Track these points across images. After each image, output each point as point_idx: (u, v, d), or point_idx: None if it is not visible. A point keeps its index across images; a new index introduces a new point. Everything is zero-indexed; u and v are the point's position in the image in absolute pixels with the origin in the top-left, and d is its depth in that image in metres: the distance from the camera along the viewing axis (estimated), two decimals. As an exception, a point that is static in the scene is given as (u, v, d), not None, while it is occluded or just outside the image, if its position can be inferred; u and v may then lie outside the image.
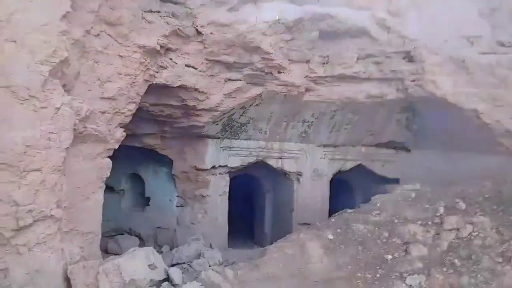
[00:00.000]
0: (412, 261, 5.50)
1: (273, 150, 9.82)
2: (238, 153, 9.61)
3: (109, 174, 6.20)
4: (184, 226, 9.16)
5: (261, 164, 10.10)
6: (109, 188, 9.73)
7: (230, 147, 9.52)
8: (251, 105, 8.69)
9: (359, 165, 10.49)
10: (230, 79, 7.87)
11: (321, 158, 10.11)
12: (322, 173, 10.15)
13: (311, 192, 10.11)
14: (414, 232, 6.03)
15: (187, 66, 7.08)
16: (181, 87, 7.12)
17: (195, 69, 7.22)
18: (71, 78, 5.32)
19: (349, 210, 6.97)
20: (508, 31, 7.89)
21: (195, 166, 8.91)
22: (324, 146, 10.11)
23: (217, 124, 8.53)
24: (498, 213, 6.19)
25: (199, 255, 6.85)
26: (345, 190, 12.55)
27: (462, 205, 6.59)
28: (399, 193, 7.29)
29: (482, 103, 8.09)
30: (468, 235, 5.79)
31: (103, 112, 5.90)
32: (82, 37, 5.36)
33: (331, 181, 10.48)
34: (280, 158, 9.94)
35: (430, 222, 6.24)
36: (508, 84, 7.91)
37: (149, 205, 9.58)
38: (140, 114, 7.51)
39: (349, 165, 10.40)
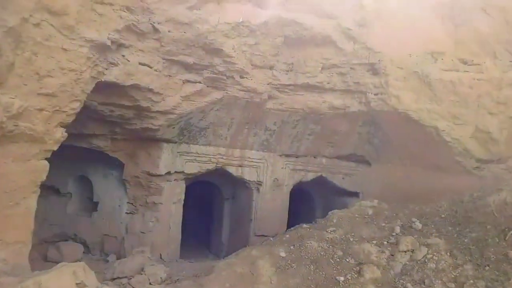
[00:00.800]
0: (365, 284, 5.26)
1: (234, 157, 9.45)
2: (196, 159, 9.18)
3: (45, 177, 5.63)
4: (133, 234, 8.61)
5: (220, 171, 9.72)
6: (54, 191, 9.08)
7: (187, 153, 9.07)
8: (211, 110, 8.29)
9: (320, 176, 10.29)
10: (188, 81, 7.45)
11: (282, 168, 9.83)
12: (282, 183, 9.87)
13: (270, 203, 9.81)
14: (368, 252, 5.81)
15: (141, 64, 6.60)
16: (133, 86, 6.63)
17: (150, 68, 6.75)
18: (2, 70, 4.75)
19: (305, 225, 6.70)
20: (470, 49, 7.88)
21: (148, 172, 8.40)
22: (286, 156, 9.84)
23: (174, 127, 8.08)
24: (453, 234, 6.08)
25: (142, 269, 6.36)
26: (305, 200, 12.35)
27: (419, 225, 6.45)
28: (357, 209, 7.09)
29: (443, 121, 8.07)
30: (423, 257, 5.62)
31: (40, 110, 5.34)
32: (17, 25, 4.80)
33: (292, 191, 10.23)
34: (241, 166, 9.58)
35: (385, 242, 6.05)
36: (468, 103, 7.92)
37: (97, 210, 8.96)
38: (88, 114, 6.96)
39: (310, 176, 10.18)
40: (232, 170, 9.57)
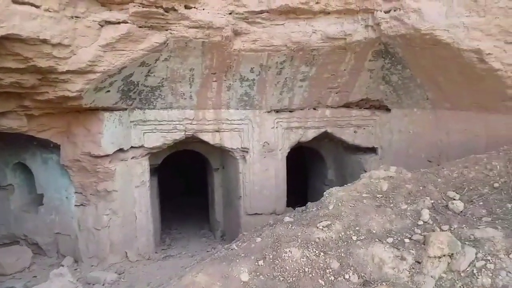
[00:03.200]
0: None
1: (207, 121, 7.28)
2: (157, 128, 7.09)
3: None
4: (87, 231, 6.79)
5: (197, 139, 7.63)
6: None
7: (144, 121, 6.98)
8: (156, 61, 6.05)
9: (325, 132, 7.98)
10: (108, 22, 5.18)
11: (272, 127, 7.57)
12: (275, 147, 7.65)
13: (261, 174, 7.68)
14: (380, 261, 3.66)
15: (17, 2, 4.37)
16: (10, 38, 4.44)
17: (37, 7, 4.52)
18: None
19: (287, 218, 4.55)
20: None
21: (89, 153, 6.40)
22: (276, 112, 7.55)
23: (107, 91, 5.92)
24: (517, 216, 3.81)
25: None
26: (315, 160, 10.16)
27: (459, 205, 4.17)
28: (365, 183, 4.84)
29: (488, 41, 5.44)
30: (469, 266, 3.42)
31: None
32: None
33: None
34: (218, 131, 7.41)
35: (407, 240, 3.85)
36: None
37: (43, 204, 7.16)
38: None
39: (311, 134, 7.88)
40: (207, 137, 7.43)
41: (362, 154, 8.33)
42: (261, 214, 7.75)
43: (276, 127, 7.59)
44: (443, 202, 4.38)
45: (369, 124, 8.00)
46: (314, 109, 7.68)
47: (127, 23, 5.24)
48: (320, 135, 8.06)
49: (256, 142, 7.53)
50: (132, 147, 6.95)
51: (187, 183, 14.74)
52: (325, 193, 4.86)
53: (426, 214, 4.14)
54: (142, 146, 7.05)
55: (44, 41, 4.65)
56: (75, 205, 6.81)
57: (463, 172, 4.84)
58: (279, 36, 6.06)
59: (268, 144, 7.57)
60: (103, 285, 5.63)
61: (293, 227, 4.28)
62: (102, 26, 5.15)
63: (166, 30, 5.59)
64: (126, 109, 6.70)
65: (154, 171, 9.03)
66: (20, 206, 7.45)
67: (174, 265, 6.39)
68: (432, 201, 4.39)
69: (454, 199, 4.37)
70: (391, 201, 4.50)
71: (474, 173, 4.79)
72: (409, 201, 4.48)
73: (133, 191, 7.05)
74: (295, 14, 5.93)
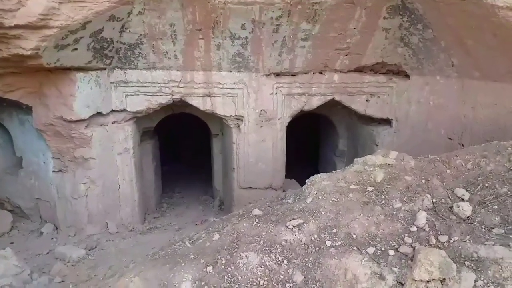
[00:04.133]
0: None
1: (195, 84, 6.49)
2: (141, 91, 6.39)
3: None
4: (65, 200, 6.38)
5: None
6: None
7: (126, 82, 6.29)
8: (128, 15, 5.23)
9: (332, 100, 7.04)
10: (62, -32, 4.38)
11: (271, 93, 6.70)
12: (273, 116, 6.82)
13: (258, 145, 6.92)
14: (353, 278, 2.93)
15: None
16: None
17: None
18: None
19: (256, 211, 3.83)
20: None
21: (61, 116, 5.82)
22: (276, 75, 6.64)
23: (75, 49, 5.20)
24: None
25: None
26: (327, 128, 9.28)
27: (466, 209, 3.30)
28: (357, 171, 4.00)
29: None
30: (466, 299, 2.64)
31: None
32: None
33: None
34: (209, 95, 6.63)
35: (392, 251, 3.07)
36: None
37: (22, 167, 6.77)
38: None
39: (315, 101, 6.96)
40: (196, 102, 6.68)
41: (375, 126, 7.38)
42: (256, 188, 7.09)
43: (276, 93, 6.71)
44: (447, 202, 3.51)
45: (384, 92, 6.97)
46: (320, 73, 6.71)
47: (85, -32, 4.41)
48: (324, 105, 7.13)
49: (252, 110, 6.72)
50: (113, 110, 6.32)
51: (199, 143, 14.24)
52: (307, 180, 4.07)
53: (422, 218, 3.31)
54: (124, 110, 6.42)
55: (-22, -11, 3.92)
56: (53, 171, 6.36)
57: (479, 163, 3.91)
58: (272, -14, 5.06)
59: (266, 112, 6.75)
60: (67, 262, 5.23)
61: (259, 224, 3.56)
62: (54, -29, 4.35)
63: (135, -23, 4.73)
64: (104, 68, 6.01)
65: (152, 133, 8.48)
66: (4, 168, 7.10)
67: (152, 241, 5.92)
68: (434, 200, 3.54)
69: (462, 199, 3.50)
70: (383, 197, 3.67)
71: (493, 165, 3.85)
72: (405, 198, 3.63)
73: (115, 158, 6.51)
74: (291, -42, 4.88)
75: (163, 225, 7.16)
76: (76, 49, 5.20)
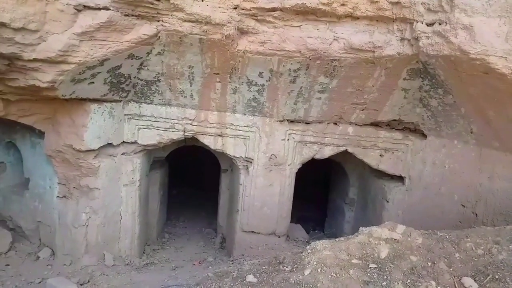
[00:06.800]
0: None
1: (209, 123, 6.47)
2: (153, 125, 6.39)
3: None
4: (65, 227, 6.32)
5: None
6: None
7: (140, 116, 6.31)
8: (148, 54, 5.28)
9: (345, 152, 6.92)
10: (87, 7, 4.45)
11: (283, 139, 6.62)
12: (283, 161, 6.72)
13: (264, 189, 6.80)
14: None
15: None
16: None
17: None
18: None
19: (250, 278, 3.67)
20: None
21: (71, 145, 5.83)
22: (290, 122, 6.58)
23: (92, 82, 5.25)
24: None
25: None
26: (338, 174, 9.11)
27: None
28: (360, 243, 3.83)
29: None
30: None
31: None
32: None
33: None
34: (220, 135, 6.59)
35: None
36: None
37: (28, 189, 6.78)
38: None
39: (327, 151, 6.84)
40: (208, 141, 6.64)
41: (387, 181, 7.18)
42: (259, 233, 6.93)
43: (288, 139, 6.63)
44: (454, 294, 3.32)
45: (399, 149, 6.81)
46: (335, 124, 6.62)
47: (109, 9, 4.47)
48: (336, 155, 7.00)
49: (262, 153, 6.63)
50: (124, 142, 6.32)
51: (210, 171, 14.20)
52: (308, 247, 3.92)
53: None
54: (135, 142, 6.41)
55: (3, 25, 4.00)
56: (58, 197, 6.34)
57: (491, 250, 3.70)
58: (292, 40, 5.05)
59: (276, 157, 6.65)
60: (56, 298, 5.13)
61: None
62: (79, 11, 4.43)
63: (158, 21, 4.78)
64: (120, 100, 6.05)
65: (163, 162, 8.46)
66: (12, 186, 7.13)
67: (146, 281, 5.77)
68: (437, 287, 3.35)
69: (470, 291, 3.29)
70: (385, 277, 3.49)
71: (506, 254, 3.64)
72: (408, 281, 3.45)
73: (120, 189, 6.46)
74: (315, 15, 4.87)
75: (160, 261, 7.03)
76: (92, 82, 5.24)
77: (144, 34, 4.80)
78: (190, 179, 12.54)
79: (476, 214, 5.79)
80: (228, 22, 4.78)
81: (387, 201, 7.03)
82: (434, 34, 4.54)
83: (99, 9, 4.45)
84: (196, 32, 4.84)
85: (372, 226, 4.09)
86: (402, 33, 4.84)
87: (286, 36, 5.03)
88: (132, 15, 4.63)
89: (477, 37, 4.23)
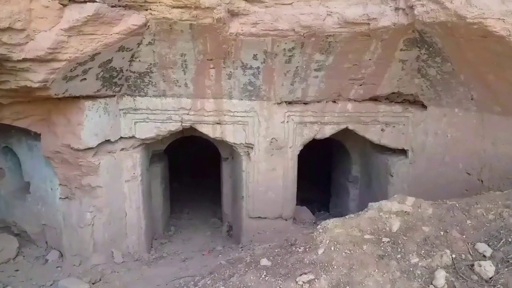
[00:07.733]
0: None
1: (206, 111, 6.38)
2: (150, 118, 6.30)
3: None
4: (71, 227, 6.28)
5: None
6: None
7: (135, 109, 6.21)
8: (138, 45, 5.16)
9: (345, 129, 6.86)
10: (73, 0, 4.32)
11: (282, 122, 6.55)
12: (284, 144, 6.66)
13: (267, 174, 6.75)
14: None
15: None
16: None
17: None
18: None
19: (264, 262, 3.65)
20: None
21: (69, 145, 5.74)
22: (288, 103, 6.50)
23: (84, 79, 5.14)
24: None
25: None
26: (340, 153, 9.06)
27: (488, 269, 3.07)
28: (371, 218, 3.80)
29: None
30: None
31: None
32: None
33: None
34: (219, 123, 6.51)
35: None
36: None
37: (30, 192, 6.70)
38: None
39: (328, 130, 6.78)
40: (206, 129, 6.56)
41: (390, 155, 7.14)
42: (265, 218, 6.92)
43: (287, 122, 6.56)
44: (468, 259, 3.29)
45: (399, 122, 6.76)
46: (334, 102, 6.54)
47: (95, 1, 4.35)
48: (337, 133, 6.95)
49: (262, 138, 6.57)
50: (121, 137, 6.24)
51: (211, 159, 14.11)
52: (318, 226, 3.90)
53: (441, 278, 3.09)
54: (133, 137, 6.33)
55: (-12, 25, 3.88)
56: (60, 198, 6.27)
57: (502, 214, 3.68)
58: (285, 19, 4.94)
59: (277, 140, 6.59)
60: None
61: (267, 278, 3.38)
62: (64, 5, 4.30)
63: (146, 10, 4.67)
64: (113, 95, 5.95)
65: (162, 155, 8.38)
66: (12, 191, 7.05)
67: (157, 275, 5.76)
68: (454, 256, 3.32)
69: (484, 256, 3.27)
70: (399, 250, 3.47)
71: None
72: (423, 251, 3.43)
73: (123, 186, 6.40)
74: (305, -9, 4.76)
75: (169, 254, 7.01)
76: (85, 79, 5.13)
77: (133, 25, 4.68)
78: (190, 170, 12.46)
79: (482, 181, 5.77)
80: (218, 5, 4.67)
81: (392, 176, 7.00)
82: (429, 1, 4.45)
83: (85, 1, 4.33)
84: (186, 18, 4.72)
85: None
86: (396, 2, 4.75)
87: (278, 15, 4.93)
88: (119, 6, 4.51)
89: (473, 0, 4.14)
